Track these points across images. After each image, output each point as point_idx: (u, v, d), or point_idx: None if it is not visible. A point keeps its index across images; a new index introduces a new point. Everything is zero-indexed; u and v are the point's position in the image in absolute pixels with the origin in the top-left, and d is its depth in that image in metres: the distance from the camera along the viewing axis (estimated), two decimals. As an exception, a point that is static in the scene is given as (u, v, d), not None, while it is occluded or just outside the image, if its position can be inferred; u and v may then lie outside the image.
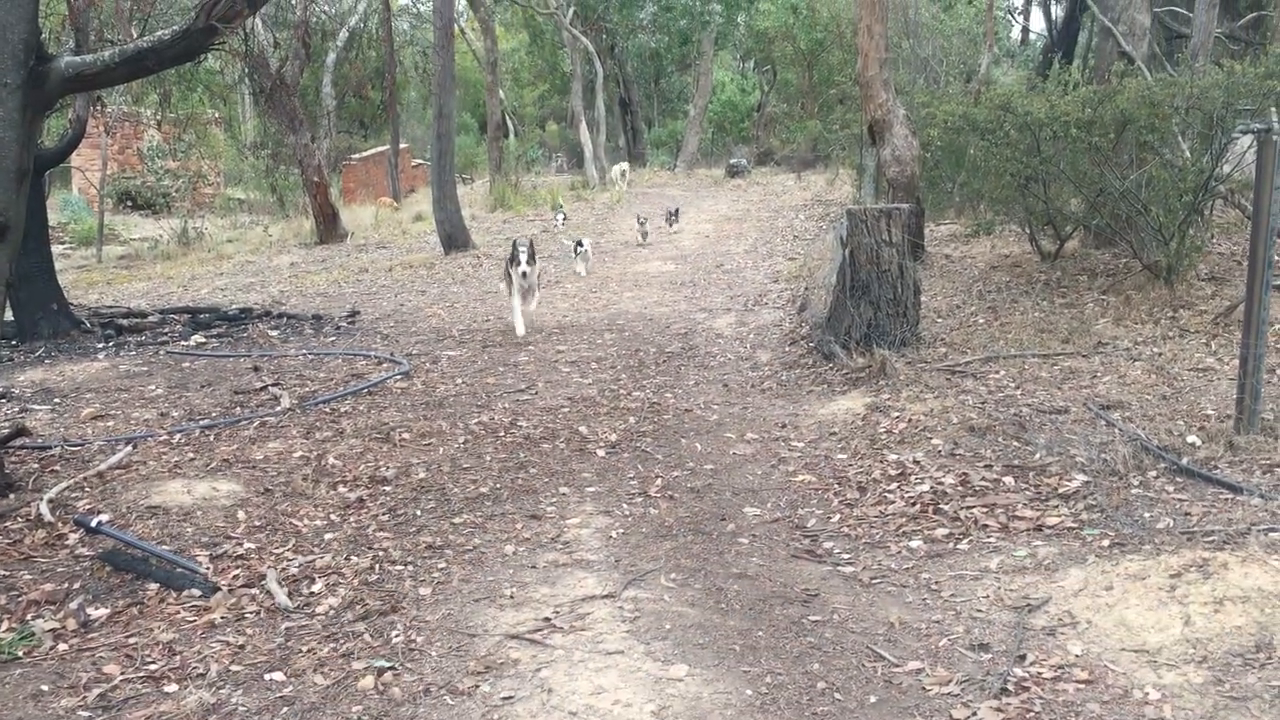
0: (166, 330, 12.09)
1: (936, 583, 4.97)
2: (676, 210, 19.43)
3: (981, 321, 10.03)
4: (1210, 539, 4.88)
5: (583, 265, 14.82)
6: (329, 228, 21.99)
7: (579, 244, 14.86)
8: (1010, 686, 3.97)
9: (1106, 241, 11.88)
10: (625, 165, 29.56)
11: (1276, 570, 4.40)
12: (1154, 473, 5.93)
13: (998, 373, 8.23)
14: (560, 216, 18.18)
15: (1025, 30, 43.23)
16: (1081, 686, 3.95)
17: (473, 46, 41.92)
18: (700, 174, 35.01)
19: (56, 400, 8.88)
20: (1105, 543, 5.09)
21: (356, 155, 34.55)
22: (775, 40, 37.88)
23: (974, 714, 3.83)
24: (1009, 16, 41.68)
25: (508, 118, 41.52)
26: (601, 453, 7.28)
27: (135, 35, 10.51)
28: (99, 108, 17.38)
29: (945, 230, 15.99)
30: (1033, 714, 3.78)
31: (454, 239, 18.75)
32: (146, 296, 15.80)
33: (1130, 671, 4.02)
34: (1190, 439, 6.34)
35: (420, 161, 37.02)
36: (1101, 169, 10.35)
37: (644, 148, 45.74)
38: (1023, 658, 4.19)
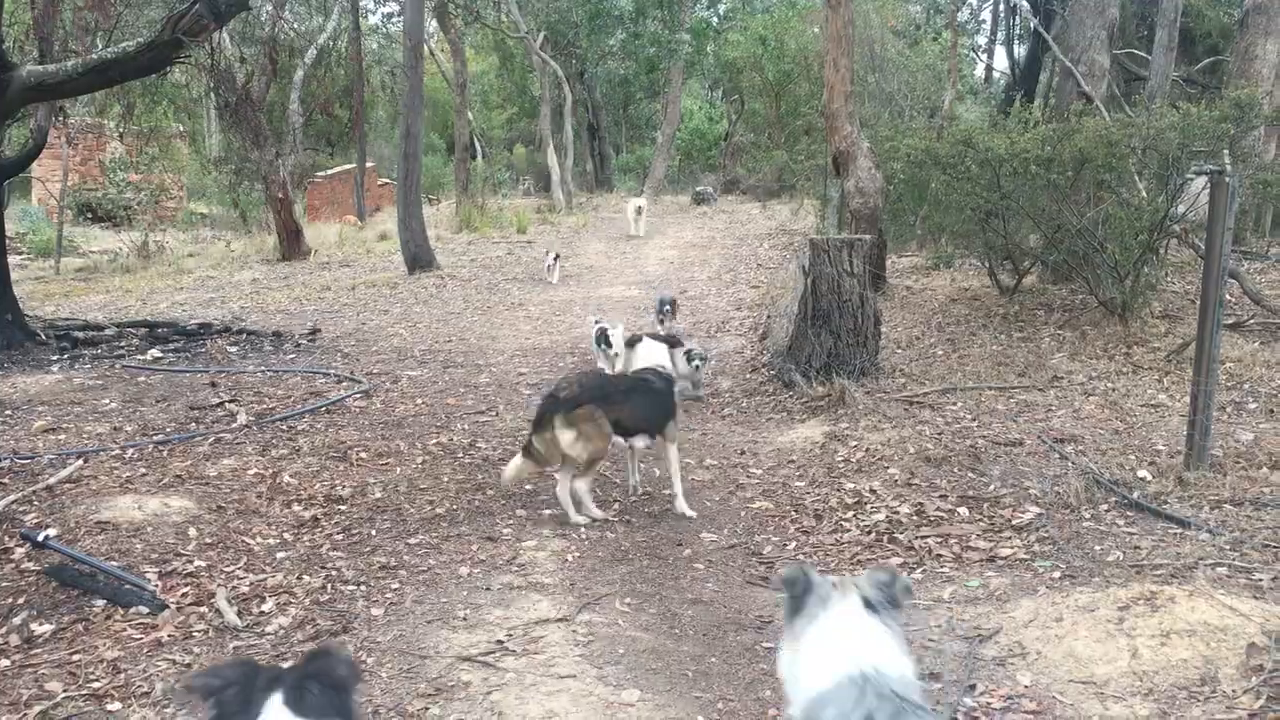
0: (123, 344, 11.94)
1: None
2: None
3: (940, 353, 10.13)
4: (1158, 572, 4.94)
5: (607, 363, 9.57)
6: (292, 244, 21.85)
7: (605, 334, 9.65)
8: (960, 716, 3.99)
9: (1064, 277, 12.05)
10: (642, 201, 24.40)
11: (1222, 605, 4.46)
12: (1105, 506, 6.00)
13: (955, 404, 8.30)
14: (552, 256, 17.40)
15: (989, 68, 43.89)
16: (1030, 717, 3.98)
17: (442, 68, 41.95)
18: (667, 200, 35.14)
19: (8, 412, 8.73)
20: (1056, 574, 5.14)
21: (322, 173, 34.39)
22: (743, 71, 38.16)
23: (923, 743, 3.84)
24: (973, 54, 42.31)
25: (476, 139, 41.50)
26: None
27: (100, 46, 10.43)
28: (61, 118, 17.22)
29: (907, 262, 16.14)
30: (981, 744, 3.80)
31: (419, 259, 18.70)
32: (104, 310, 15.61)
33: (1078, 703, 4.05)
34: (1141, 474, 6.44)
35: (386, 181, 36.90)
36: (1060, 205, 10.52)
37: (611, 173, 45.84)
38: (973, 687, 4.21)
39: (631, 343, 8.99)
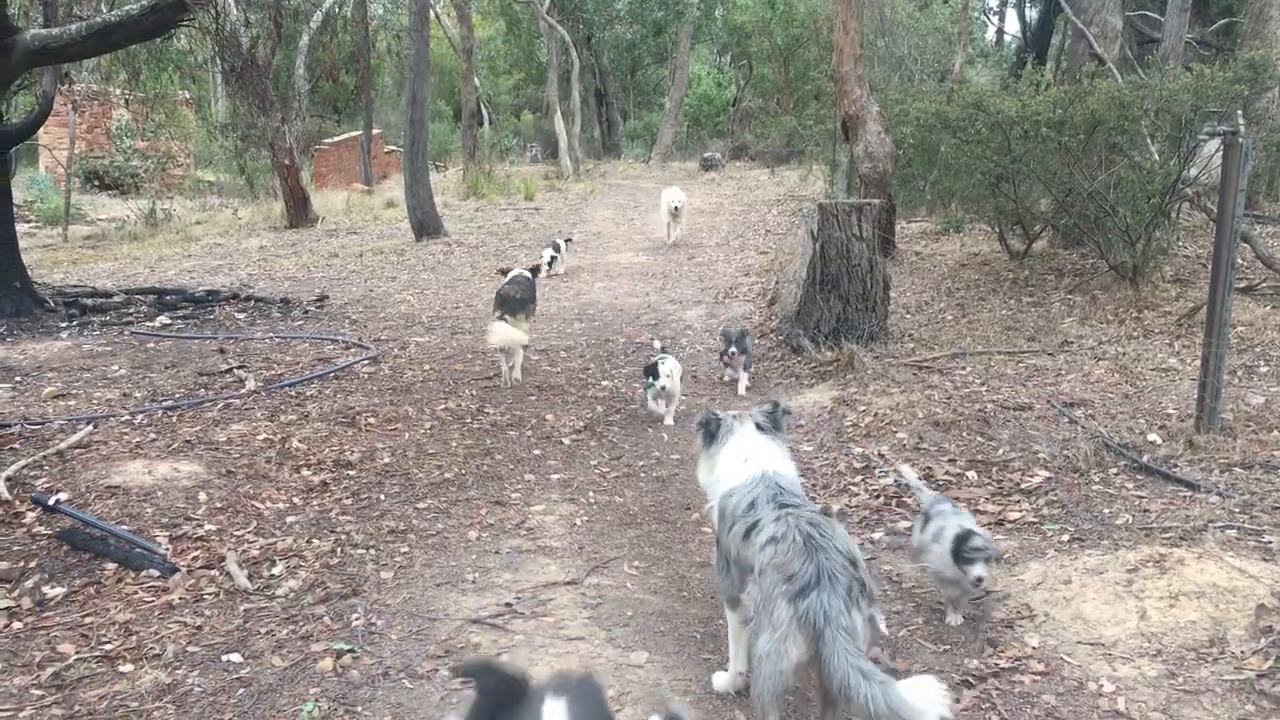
0: (131, 311, 11.95)
1: (898, 574, 5.00)
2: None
3: (949, 318, 10.09)
4: (1168, 535, 4.93)
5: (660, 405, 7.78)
6: (299, 212, 21.80)
7: (654, 373, 7.74)
8: (969, 679, 4.00)
9: (1074, 242, 11.97)
10: (681, 196, 17.07)
11: (1231, 566, 4.45)
12: (1115, 470, 5.98)
13: (964, 369, 8.28)
14: (548, 254, 14.43)
15: (1000, 31, 43.50)
16: (1038, 678, 3.98)
17: (449, 33, 41.64)
18: (674, 167, 34.99)
19: (17, 379, 8.75)
20: (1065, 538, 5.13)
21: (329, 140, 34.26)
22: (752, 35, 37.86)
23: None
24: (984, 17, 41.93)
25: (483, 106, 41.25)
26: (568, 441, 7.27)
27: (104, 10, 10.35)
28: (67, 85, 17.15)
29: (916, 228, 16.05)
30: (989, 705, 3.81)
31: (426, 225, 18.64)
32: (112, 277, 15.60)
33: (1086, 664, 4.06)
34: (1151, 437, 6.41)
35: (393, 148, 36.77)
36: (1071, 169, 10.43)
37: (619, 140, 45.66)
38: (981, 650, 4.22)
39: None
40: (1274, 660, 3.85)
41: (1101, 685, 3.90)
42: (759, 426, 4.00)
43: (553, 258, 14.60)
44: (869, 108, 13.29)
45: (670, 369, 7.70)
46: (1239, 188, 5.98)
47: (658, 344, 8.38)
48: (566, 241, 15.55)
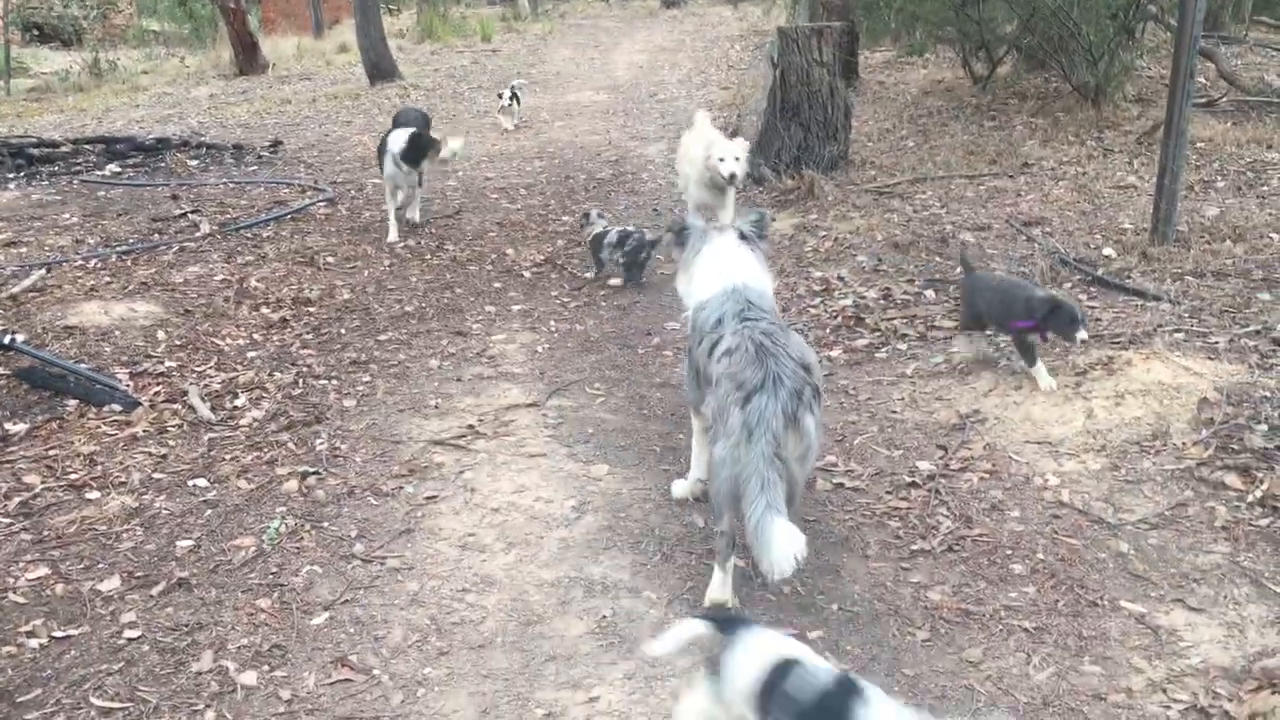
0: (80, 160, 11.62)
1: (854, 388, 5.08)
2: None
3: (911, 145, 10.00)
4: (1118, 341, 5.02)
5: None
6: (249, 59, 21.05)
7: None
8: (918, 480, 4.12)
9: (1038, 65, 11.80)
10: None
11: (1177, 365, 4.56)
12: (1070, 284, 6.04)
13: (924, 193, 8.25)
14: (508, 95, 13.05)
15: None
16: (986, 477, 4.10)
17: None
18: (635, 5, 33.94)
19: (-34, 229, 8.58)
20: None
21: (276, -16, 32.89)
22: None
23: (879, 501, 3.98)
24: None
25: (435, -55, 39.62)
26: (528, 274, 7.26)
27: None
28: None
29: (880, 57, 15.73)
30: (938, 500, 3.93)
31: (379, 68, 18.09)
32: (59, 129, 15.11)
33: (1033, 461, 4.18)
34: (1107, 251, 6.46)
35: (344, -9, 35.37)
36: (1035, -13, 10.21)
37: (578, -22, 44.13)
38: (930, 453, 4.33)
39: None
40: (1213, 450, 3.97)
41: (1047, 479, 4.03)
42: (742, 236, 3.85)
43: (511, 99, 13.60)
44: (831, -70, 12.88)
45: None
46: (1200, -7, 5.88)
47: (594, 213, 7.21)
48: (512, 96, 13.36)
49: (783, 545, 2.86)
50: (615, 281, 6.96)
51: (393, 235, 8.13)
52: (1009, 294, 4.77)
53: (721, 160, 6.96)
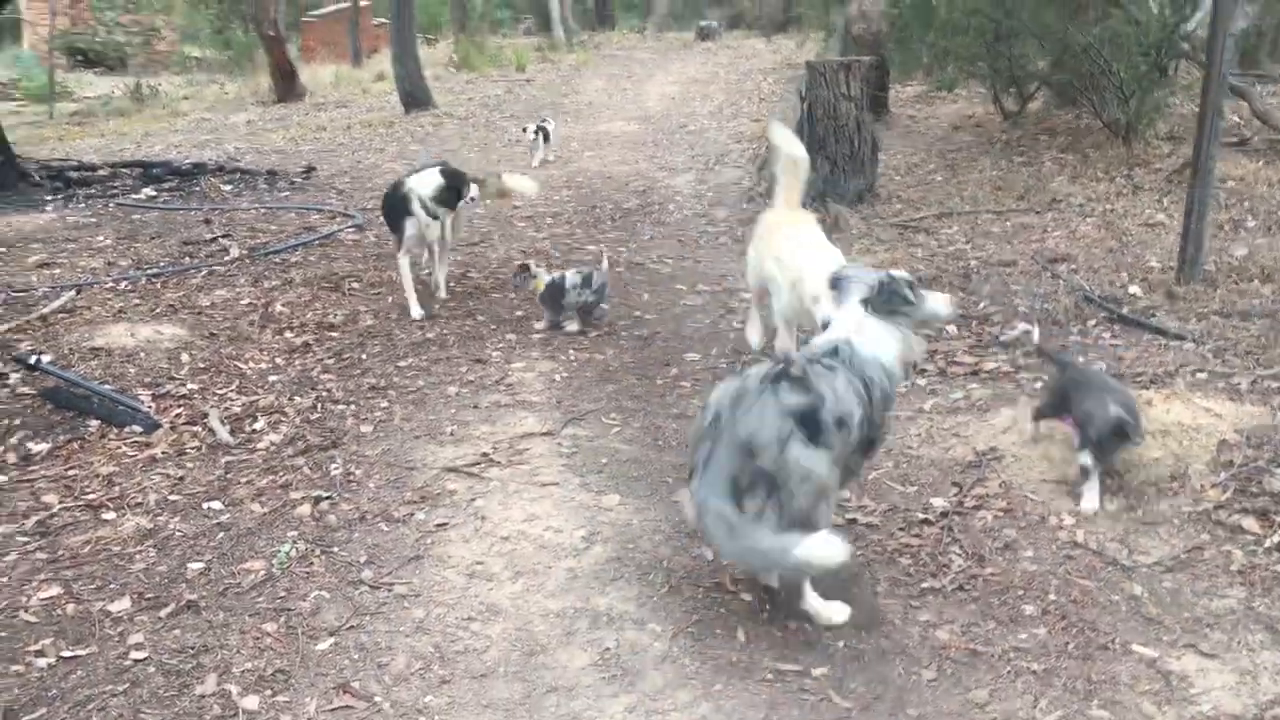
0: (117, 184, 11.82)
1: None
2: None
3: (939, 179, 9.99)
4: (1139, 379, 4.97)
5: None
6: (287, 85, 21.38)
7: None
8: (931, 517, 4.08)
9: (1069, 100, 11.77)
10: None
11: (1198, 407, 4.50)
12: (1093, 321, 6.00)
13: (950, 228, 8.23)
14: (533, 130, 12.57)
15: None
16: (1000, 515, 4.06)
17: (436, -102, 40.27)
18: (670, 37, 34.18)
19: (2, 250, 8.72)
20: (1038, 384, 5.17)
21: (316, 12, 33.41)
22: (749, -103, 36.64)
23: (891, 537, 3.95)
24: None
25: (473, -25, 40.13)
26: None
27: None
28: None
29: (911, 91, 15.74)
30: (950, 539, 3.90)
31: (414, 97, 18.30)
32: (99, 152, 15.39)
33: (1048, 500, 4.14)
34: (1132, 290, 6.42)
35: (382, 20, 35.78)
36: (1067, 24, 10.19)
37: (612, 10, 44.47)
38: (945, 490, 4.29)
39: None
40: (1231, 492, 3.92)
41: (1062, 519, 3.98)
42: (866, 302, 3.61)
43: (537, 134, 12.91)
44: (863, -34, 12.94)
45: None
46: (1228, 30, 5.85)
47: (533, 264, 6.66)
48: (538, 131, 12.80)
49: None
50: (572, 327, 6.50)
51: (416, 311, 6.84)
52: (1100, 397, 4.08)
53: (816, 302, 4.80)
